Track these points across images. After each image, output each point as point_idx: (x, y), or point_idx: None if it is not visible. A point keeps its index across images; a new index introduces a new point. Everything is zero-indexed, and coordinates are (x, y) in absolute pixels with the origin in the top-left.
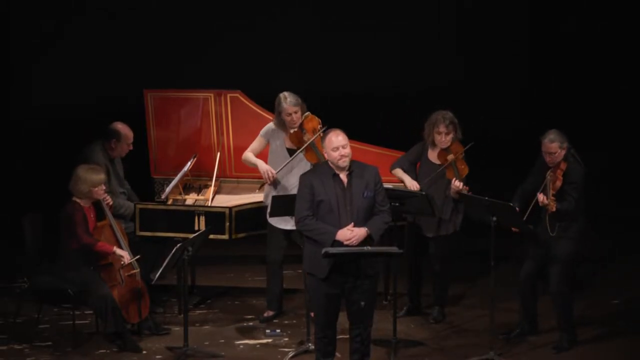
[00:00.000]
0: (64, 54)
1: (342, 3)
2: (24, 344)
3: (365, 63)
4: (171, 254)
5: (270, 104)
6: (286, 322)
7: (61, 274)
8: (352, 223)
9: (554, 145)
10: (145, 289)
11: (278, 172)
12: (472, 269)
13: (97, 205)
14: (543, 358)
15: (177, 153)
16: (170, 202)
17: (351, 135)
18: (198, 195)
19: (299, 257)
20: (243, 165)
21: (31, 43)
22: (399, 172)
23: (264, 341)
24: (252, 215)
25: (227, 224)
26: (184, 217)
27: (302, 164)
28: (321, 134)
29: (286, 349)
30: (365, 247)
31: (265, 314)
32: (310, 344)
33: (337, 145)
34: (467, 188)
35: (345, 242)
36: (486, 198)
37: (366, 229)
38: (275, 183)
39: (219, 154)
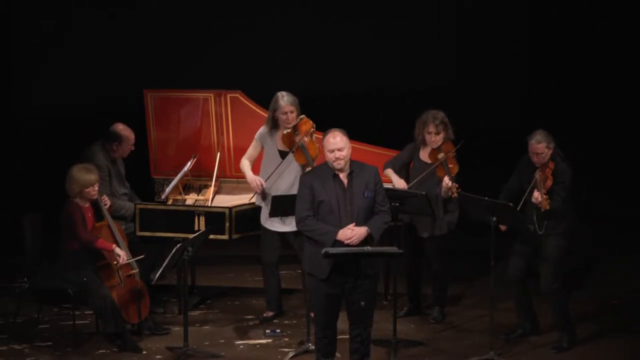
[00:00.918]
0: (64, 53)
1: (342, 3)
2: (24, 344)
3: (366, 63)
4: (171, 254)
5: (269, 104)
6: (286, 322)
7: (61, 274)
8: (354, 223)
9: (540, 146)
10: (145, 289)
11: (267, 179)
12: (472, 269)
13: (96, 206)
14: (543, 358)
15: (177, 153)
16: (170, 202)
17: (351, 136)
18: (198, 195)
19: (296, 257)
20: None
21: (31, 43)
22: (389, 172)
23: (264, 341)
24: (252, 216)
25: (227, 224)
26: (184, 217)
27: (292, 168)
28: (312, 137)
29: (286, 349)
30: (365, 247)
31: (265, 314)
32: (310, 344)
33: (333, 147)
34: (457, 186)
35: (346, 241)
36: (486, 198)
37: (366, 228)
38: (263, 193)
39: (219, 154)
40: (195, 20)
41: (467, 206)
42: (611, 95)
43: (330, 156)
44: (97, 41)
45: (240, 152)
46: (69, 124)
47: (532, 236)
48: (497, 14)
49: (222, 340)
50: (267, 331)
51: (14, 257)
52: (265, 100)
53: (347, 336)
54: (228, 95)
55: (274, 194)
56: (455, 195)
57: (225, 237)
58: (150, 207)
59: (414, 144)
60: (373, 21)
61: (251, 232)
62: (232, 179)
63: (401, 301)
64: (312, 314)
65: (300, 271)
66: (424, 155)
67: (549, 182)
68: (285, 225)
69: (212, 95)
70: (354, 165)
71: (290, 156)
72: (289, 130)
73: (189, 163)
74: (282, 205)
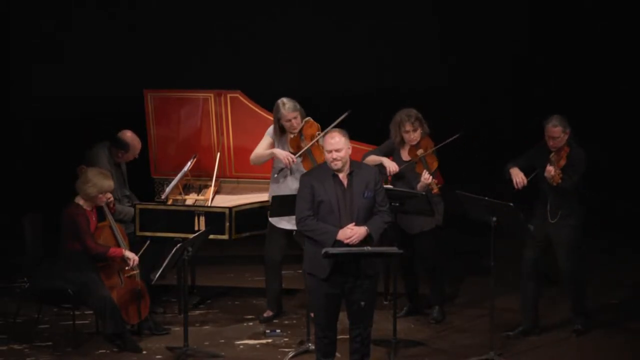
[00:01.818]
0: (64, 53)
1: (342, 3)
2: (24, 344)
3: (366, 63)
4: (171, 254)
5: (270, 104)
6: (286, 322)
7: (61, 274)
8: (354, 222)
9: (557, 130)
10: (145, 289)
11: (297, 156)
12: (472, 269)
13: (99, 207)
14: (543, 358)
15: (177, 153)
16: (170, 202)
17: (351, 136)
18: (198, 195)
19: (299, 257)
20: (243, 165)
21: (31, 43)
22: (372, 157)
23: (264, 341)
24: (252, 215)
25: (227, 224)
26: (184, 217)
27: (301, 170)
28: (318, 142)
29: (286, 349)
30: (365, 247)
31: (265, 314)
32: (310, 344)
33: (331, 148)
34: (437, 181)
35: (346, 241)
36: (486, 198)
37: (366, 228)
38: (292, 169)
39: (219, 154)
40: (195, 20)
41: (467, 206)
42: (612, 95)
43: (327, 156)
44: (97, 41)
45: (240, 152)
46: (69, 124)
47: (543, 227)
48: (497, 14)
49: (222, 340)
50: (267, 331)
51: (14, 257)
52: (265, 100)
53: (347, 336)
54: (228, 95)
55: (284, 192)
56: (437, 191)
57: (225, 237)
58: (150, 207)
59: (391, 140)
60: (374, 21)
61: (251, 232)
62: (232, 178)
63: (401, 301)
64: (312, 314)
65: (301, 271)
66: (405, 154)
67: (563, 162)
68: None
69: (212, 95)
70: (354, 166)
71: (297, 160)
72: (295, 135)
73: (189, 163)
74: (282, 206)
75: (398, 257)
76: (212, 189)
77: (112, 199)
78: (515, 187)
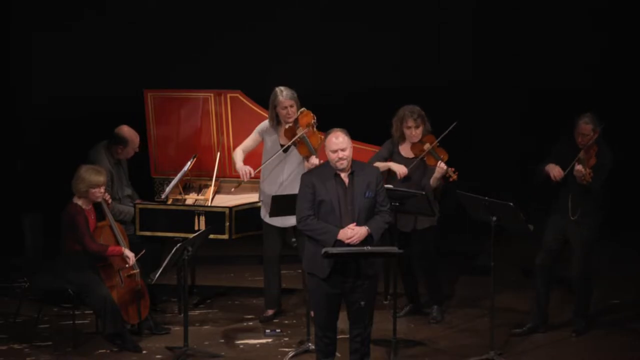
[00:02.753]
0: (64, 53)
1: (342, 3)
2: (24, 344)
3: (366, 63)
4: (171, 254)
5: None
6: (286, 322)
7: (61, 274)
8: (355, 223)
9: (588, 127)
10: (145, 289)
11: (262, 166)
12: (472, 269)
13: (98, 206)
14: (544, 358)
15: (177, 153)
16: (170, 202)
17: (351, 135)
18: (198, 195)
19: (297, 256)
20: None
21: (31, 43)
22: (380, 165)
23: (264, 341)
24: (252, 215)
25: (227, 224)
26: (184, 217)
27: (293, 160)
28: (314, 128)
29: (286, 349)
30: (365, 247)
31: (265, 314)
32: (310, 344)
33: (336, 148)
34: (454, 169)
35: (347, 241)
36: (486, 198)
37: (367, 228)
38: (261, 189)
39: (219, 154)
40: (195, 20)
41: (467, 206)
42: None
43: (333, 156)
44: (97, 41)
45: None
46: (70, 124)
47: (562, 225)
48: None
49: (222, 340)
50: (267, 331)
51: (14, 257)
52: (265, 100)
53: (347, 336)
54: (228, 95)
55: (272, 187)
56: (455, 178)
57: (225, 237)
58: (150, 206)
59: (390, 141)
60: (374, 20)
61: (251, 232)
62: (232, 178)
63: (401, 301)
64: (312, 314)
65: (300, 270)
66: (405, 150)
67: (593, 161)
68: (285, 220)
69: (212, 95)
70: (355, 165)
71: (291, 150)
72: (290, 124)
73: (189, 163)
74: (281, 205)
75: (397, 257)
76: (212, 188)
77: (109, 197)
78: (553, 179)
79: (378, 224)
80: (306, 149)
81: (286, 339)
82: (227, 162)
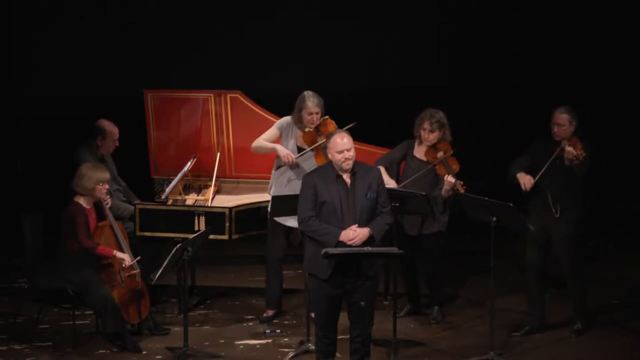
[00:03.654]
0: (64, 53)
1: (342, 3)
2: (24, 344)
3: (366, 62)
4: (171, 254)
5: (270, 104)
6: (286, 322)
7: (61, 274)
8: (357, 224)
9: (564, 117)
10: (146, 289)
11: (297, 157)
12: (472, 269)
13: (98, 206)
14: (544, 357)
15: (177, 153)
16: (170, 202)
17: (352, 136)
18: (198, 195)
19: (299, 257)
20: (243, 165)
21: (31, 43)
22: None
23: (264, 341)
24: (252, 215)
25: (227, 224)
26: (184, 217)
27: (307, 165)
28: None
29: (286, 349)
30: (365, 248)
31: (265, 314)
32: (310, 344)
33: (342, 148)
34: (462, 183)
35: (349, 242)
36: (486, 198)
37: (369, 229)
38: (293, 167)
39: (219, 154)
40: (195, 20)
41: (466, 206)
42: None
43: (339, 157)
44: (97, 41)
45: (240, 152)
46: (69, 124)
47: (544, 223)
48: (498, 14)
49: (222, 340)
50: (267, 331)
51: (14, 257)
52: (265, 100)
53: (347, 336)
54: (228, 95)
55: (284, 188)
56: (462, 191)
57: (225, 237)
58: (150, 207)
59: (407, 142)
60: (374, 20)
61: (251, 232)
62: (232, 178)
63: (401, 301)
64: (312, 314)
65: (301, 271)
66: (420, 152)
67: (580, 145)
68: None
69: (212, 95)
70: (357, 167)
71: (307, 154)
72: (311, 130)
73: (189, 163)
74: (282, 206)
75: (398, 257)
76: (212, 189)
77: (109, 199)
78: (523, 188)
79: (380, 225)
80: (324, 159)
81: (286, 339)
82: (227, 162)
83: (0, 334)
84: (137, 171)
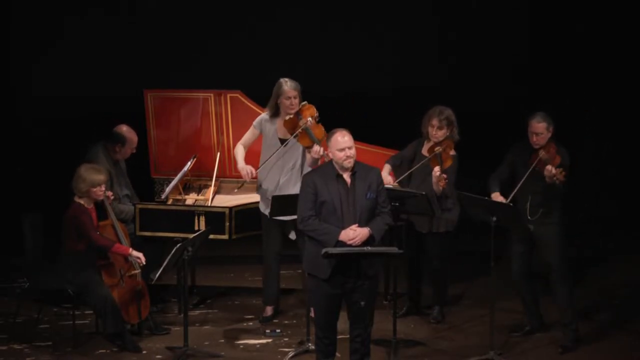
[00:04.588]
0: (64, 53)
1: (342, 3)
2: (24, 344)
3: (366, 62)
4: (171, 254)
5: None
6: (286, 322)
7: (61, 274)
8: (357, 224)
9: (541, 126)
10: (146, 289)
11: (262, 165)
12: (472, 269)
13: (99, 205)
14: (543, 358)
15: (177, 153)
16: (170, 202)
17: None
18: (198, 195)
19: (297, 256)
20: None
21: (31, 43)
22: (385, 169)
23: (264, 341)
24: (252, 215)
25: (227, 224)
26: (184, 217)
27: (292, 154)
28: (316, 121)
29: (286, 349)
30: (365, 248)
31: (265, 313)
32: (310, 344)
33: (343, 146)
34: (445, 176)
35: (349, 242)
36: (486, 198)
37: (368, 229)
38: (259, 181)
39: (219, 154)
40: (195, 20)
41: (466, 206)
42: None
43: (340, 155)
44: (97, 41)
45: None
46: (70, 123)
47: (528, 233)
48: (497, 14)
49: (222, 340)
50: (267, 331)
51: (14, 257)
52: (265, 100)
53: (347, 336)
54: (228, 95)
55: (271, 182)
56: (444, 185)
57: (225, 237)
58: (150, 207)
59: (418, 141)
60: (374, 21)
61: (251, 232)
62: (232, 179)
63: (401, 301)
64: (312, 314)
65: (300, 271)
66: (425, 150)
67: (558, 159)
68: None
69: (212, 95)
70: (357, 166)
71: (291, 143)
72: (291, 116)
73: (189, 163)
74: (282, 205)
75: (399, 257)
76: (212, 189)
77: (111, 194)
78: None
79: (379, 225)
80: (308, 139)
81: (286, 339)
82: (227, 162)
83: (0, 334)
84: (137, 171)
